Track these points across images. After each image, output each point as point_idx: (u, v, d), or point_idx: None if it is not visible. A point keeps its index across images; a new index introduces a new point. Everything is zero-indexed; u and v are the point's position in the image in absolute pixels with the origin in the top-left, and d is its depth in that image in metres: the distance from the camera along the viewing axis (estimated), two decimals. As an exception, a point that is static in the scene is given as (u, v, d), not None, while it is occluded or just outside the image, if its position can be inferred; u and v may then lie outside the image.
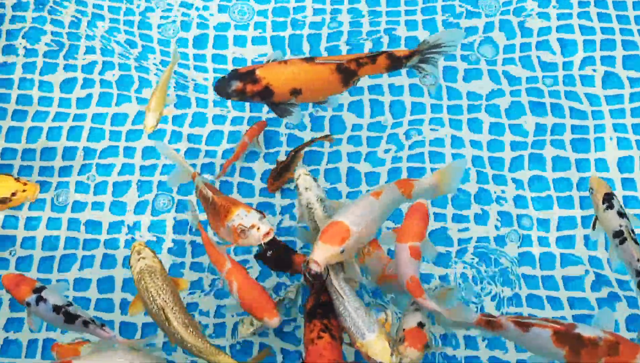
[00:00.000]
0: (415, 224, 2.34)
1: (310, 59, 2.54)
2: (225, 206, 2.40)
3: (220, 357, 2.36)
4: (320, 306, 2.40)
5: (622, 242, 2.53)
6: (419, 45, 2.57)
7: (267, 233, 2.31)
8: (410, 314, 2.39)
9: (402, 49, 2.67)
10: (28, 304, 2.48)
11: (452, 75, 3.27)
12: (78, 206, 3.03)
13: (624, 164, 3.09)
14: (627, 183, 3.05)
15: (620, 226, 2.55)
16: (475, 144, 3.12)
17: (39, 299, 2.46)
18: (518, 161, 3.09)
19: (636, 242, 2.54)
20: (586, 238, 2.95)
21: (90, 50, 3.31)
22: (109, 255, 2.95)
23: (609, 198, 2.61)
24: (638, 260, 2.49)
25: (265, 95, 2.50)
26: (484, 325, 2.26)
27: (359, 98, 3.23)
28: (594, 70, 3.23)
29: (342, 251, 2.27)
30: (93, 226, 3.00)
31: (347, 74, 2.54)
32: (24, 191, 2.72)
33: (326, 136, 3.11)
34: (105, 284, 2.89)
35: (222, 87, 2.47)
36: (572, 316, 2.80)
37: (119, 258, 2.93)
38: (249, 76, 2.47)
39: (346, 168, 3.09)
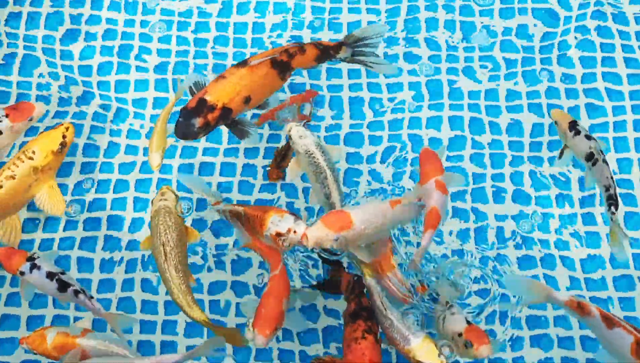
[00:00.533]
0: (432, 163, 2.58)
1: (243, 63, 2.57)
2: (259, 216, 2.42)
3: (194, 311, 2.49)
4: (364, 309, 2.45)
5: (594, 164, 2.69)
6: (344, 37, 2.67)
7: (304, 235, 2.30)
8: (451, 319, 2.44)
9: (330, 41, 2.73)
10: (22, 273, 2.54)
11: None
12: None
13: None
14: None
15: (590, 148, 2.72)
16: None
17: (33, 267, 2.53)
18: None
19: (606, 162, 2.71)
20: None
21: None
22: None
23: (574, 125, 2.78)
24: (607, 178, 2.67)
25: (226, 115, 2.50)
26: (574, 308, 2.33)
27: (360, 97, 3.22)
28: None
29: (336, 240, 2.31)
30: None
31: (282, 68, 2.59)
32: (67, 128, 2.76)
33: (305, 117, 3.11)
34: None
35: (185, 131, 2.44)
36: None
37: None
38: (202, 106, 2.46)
39: (346, 167, 3.07)
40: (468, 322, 2.43)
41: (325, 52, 2.68)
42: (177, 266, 2.52)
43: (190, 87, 2.59)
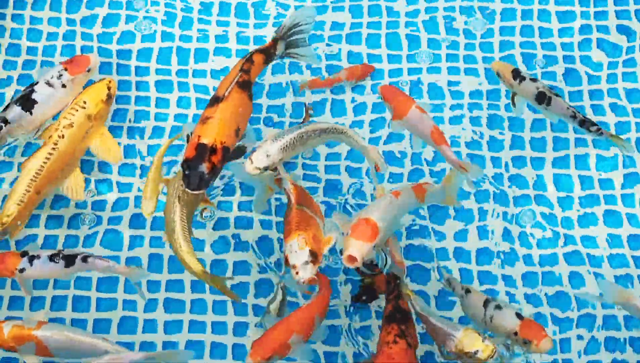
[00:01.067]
0: (400, 95, 2.60)
1: (216, 99, 2.50)
2: (289, 226, 2.35)
3: (192, 262, 2.56)
4: (400, 312, 2.45)
5: (548, 102, 2.74)
6: (276, 32, 2.67)
7: (308, 280, 2.24)
8: (499, 316, 2.41)
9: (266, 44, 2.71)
10: (22, 270, 2.52)
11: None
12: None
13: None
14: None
15: (538, 88, 2.78)
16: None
17: (32, 258, 2.52)
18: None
19: (558, 95, 2.77)
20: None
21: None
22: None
23: (517, 72, 2.83)
24: (568, 108, 2.73)
25: (227, 154, 2.44)
26: None
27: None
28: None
29: (374, 247, 2.32)
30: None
31: (247, 87, 2.56)
32: (110, 81, 2.88)
33: (307, 111, 3.10)
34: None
35: (195, 182, 2.35)
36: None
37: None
38: (204, 152, 2.38)
39: (345, 166, 3.07)
40: (519, 316, 2.40)
41: (268, 54, 2.68)
42: (184, 219, 2.62)
43: (188, 135, 2.53)
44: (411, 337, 2.41)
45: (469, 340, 2.31)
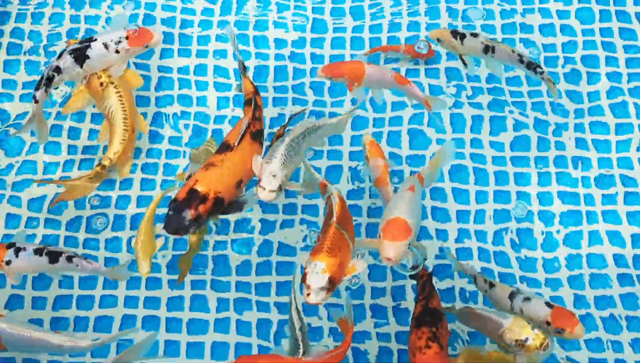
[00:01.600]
0: (345, 64, 2.77)
1: (226, 146, 2.47)
2: (321, 244, 2.28)
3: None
4: (429, 313, 2.44)
5: (493, 51, 2.83)
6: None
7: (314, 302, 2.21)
8: (529, 307, 2.42)
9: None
10: (8, 262, 2.51)
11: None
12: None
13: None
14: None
15: (482, 42, 2.84)
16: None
17: (18, 250, 2.52)
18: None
19: (500, 43, 2.85)
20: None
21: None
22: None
23: (455, 32, 2.88)
24: (513, 52, 2.81)
25: (218, 206, 2.40)
26: None
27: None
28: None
29: (408, 245, 2.32)
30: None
31: (259, 136, 2.55)
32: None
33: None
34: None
35: (176, 226, 2.31)
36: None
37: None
38: (193, 197, 2.34)
39: (347, 167, 3.09)
40: (549, 305, 2.41)
41: (258, 92, 2.71)
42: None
43: (190, 175, 2.49)
44: (442, 337, 2.39)
45: (518, 328, 2.28)
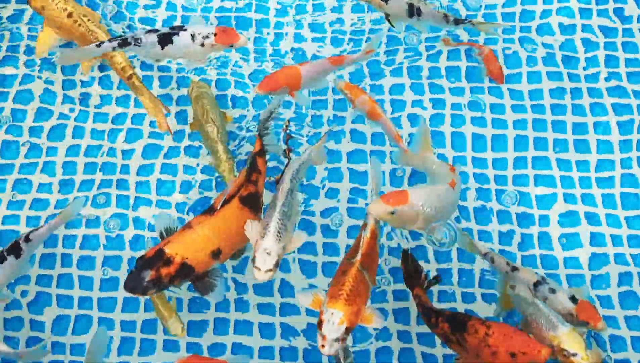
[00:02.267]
0: (286, 68, 2.71)
1: (210, 210, 2.35)
2: (341, 287, 2.20)
3: (225, 163, 2.78)
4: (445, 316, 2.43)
5: (419, 13, 2.92)
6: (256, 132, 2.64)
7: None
8: (554, 299, 2.44)
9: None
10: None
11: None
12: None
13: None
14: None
15: (406, 2, 2.92)
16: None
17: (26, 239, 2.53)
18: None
19: (424, 2, 2.94)
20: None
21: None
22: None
23: None
24: (438, 12, 2.96)
25: (185, 273, 2.26)
26: None
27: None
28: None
29: (393, 213, 2.34)
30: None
31: (252, 201, 2.38)
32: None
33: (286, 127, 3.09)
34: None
35: (132, 284, 2.21)
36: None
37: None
38: (158, 260, 2.22)
39: (346, 168, 3.08)
40: (573, 299, 2.43)
41: (263, 153, 2.61)
42: (223, 135, 2.90)
43: (161, 231, 2.39)
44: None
45: (573, 341, 2.29)
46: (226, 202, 2.34)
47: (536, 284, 2.50)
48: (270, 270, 2.21)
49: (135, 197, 3.00)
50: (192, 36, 2.70)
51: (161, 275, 2.22)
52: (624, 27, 3.31)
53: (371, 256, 2.37)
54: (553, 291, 2.47)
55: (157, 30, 2.72)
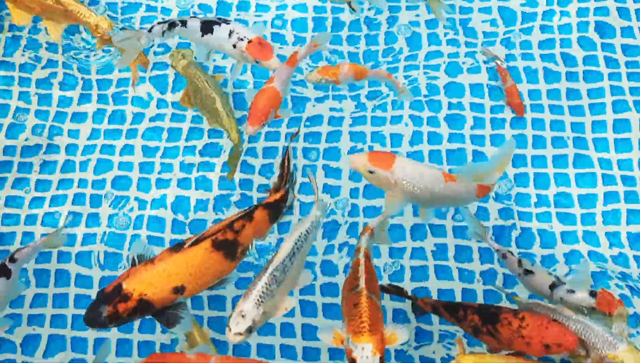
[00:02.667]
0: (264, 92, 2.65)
1: (178, 247, 2.26)
2: (361, 322, 2.17)
3: (232, 130, 2.91)
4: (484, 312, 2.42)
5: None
6: (273, 185, 2.54)
7: None
8: (573, 299, 2.43)
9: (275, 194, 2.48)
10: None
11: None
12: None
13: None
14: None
15: None
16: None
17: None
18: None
19: None
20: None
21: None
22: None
23: None
24: None
25: (144, 308, 2.20)
26: None
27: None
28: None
29: (371, 172, 2.34)
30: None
31: (228, 248, 2.28)
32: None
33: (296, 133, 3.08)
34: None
35: (90, 317, 2.16)
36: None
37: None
38: (116, 293, 2.17)
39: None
40: (592, 294, 2.43)
41: (277, 207, 2.44)
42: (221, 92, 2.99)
43: (134, 258, 2.31)
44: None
45: (633, 358, 2.25)
46: (197, 241, 2.27)
47: (552, 287, 2.49)
48: (241, 334, 2.14)
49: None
50: (230, 33, 2.68)
51: (119, 310, 2.18)
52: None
53: (372, 278, 2.34)
54: (571, 291, 2.45)
55: (200, 18, 2.75)
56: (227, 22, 2.73)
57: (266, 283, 2.19)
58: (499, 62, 3.19)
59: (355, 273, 2.32)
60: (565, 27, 3.30)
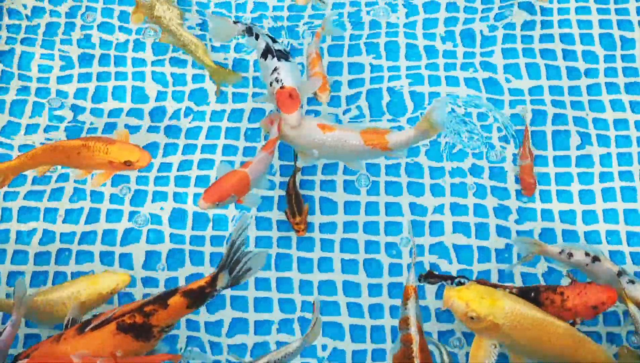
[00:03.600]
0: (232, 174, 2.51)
1: (82, 327, 2.19)
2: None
3: (206, 58, 3.13)
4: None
5: None
6: (219, 266, 2.28)
7: None
8: (633, 289, 2.48)
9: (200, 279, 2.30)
10: None
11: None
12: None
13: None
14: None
15: None
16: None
17: None
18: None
19: None
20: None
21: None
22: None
23: None
24: None
25: None
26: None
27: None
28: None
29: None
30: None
31: (137, 331, 2.18)
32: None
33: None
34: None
35: None
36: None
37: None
38: None
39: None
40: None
41: (200, 293, 2.25)
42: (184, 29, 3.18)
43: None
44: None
45: None
46: (104, 322, 2.20)
47: (619, 274, 2.53)
48: None
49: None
50: (274, 70, 2.68)
51: None
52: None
53: (426, 357, 2.26)
54: (632, 282, 2.50)
55: (275, 42, 2.78)
56: (286, 56, 2.72)
57: None
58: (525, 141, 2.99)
59: (408, 352, 2.24)
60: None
